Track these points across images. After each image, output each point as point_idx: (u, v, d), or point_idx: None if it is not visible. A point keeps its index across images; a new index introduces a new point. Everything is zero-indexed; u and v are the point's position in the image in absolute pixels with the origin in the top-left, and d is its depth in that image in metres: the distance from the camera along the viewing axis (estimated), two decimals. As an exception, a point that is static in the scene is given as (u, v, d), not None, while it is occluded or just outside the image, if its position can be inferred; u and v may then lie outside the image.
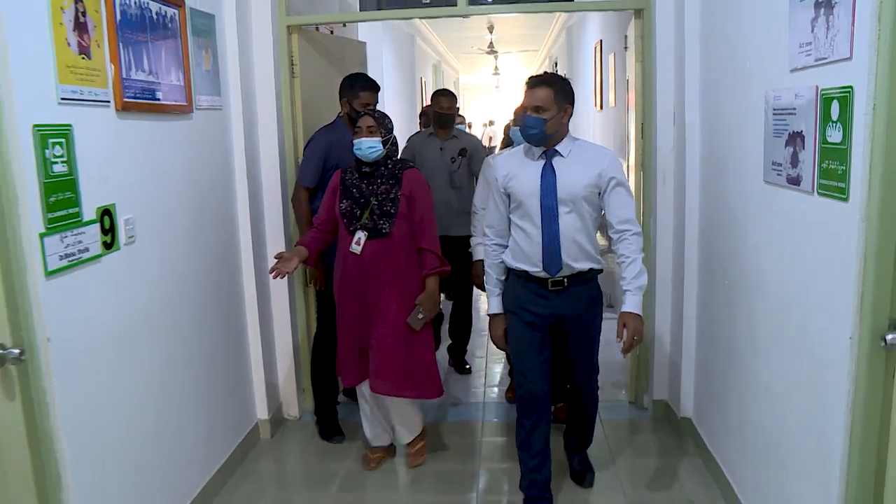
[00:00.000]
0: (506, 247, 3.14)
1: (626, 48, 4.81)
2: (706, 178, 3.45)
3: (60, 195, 2.31)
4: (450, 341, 5.07)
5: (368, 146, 3.30)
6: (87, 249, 2.44)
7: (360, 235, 3.35)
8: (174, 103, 3.05)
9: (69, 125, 2.35)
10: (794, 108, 2.30)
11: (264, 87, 3.90)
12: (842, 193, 2.02)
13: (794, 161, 2.32)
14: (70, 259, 2.36)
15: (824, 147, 2.12)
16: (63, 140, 2.32)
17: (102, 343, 2.54)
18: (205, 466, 3.36)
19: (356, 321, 3.45)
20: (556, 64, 12.64)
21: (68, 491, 2.34)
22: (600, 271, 3.07)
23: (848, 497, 2.07)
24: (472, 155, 4.71)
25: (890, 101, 1.83)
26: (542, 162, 2.96)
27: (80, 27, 2.41)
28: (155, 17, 2.91)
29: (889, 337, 1.92)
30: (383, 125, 3.36)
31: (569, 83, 2.99)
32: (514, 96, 9.34)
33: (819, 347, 2.22)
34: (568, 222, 2.92)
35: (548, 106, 2.87)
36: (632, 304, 2.88)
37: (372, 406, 3.62)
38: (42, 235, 2.22)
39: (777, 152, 2.46)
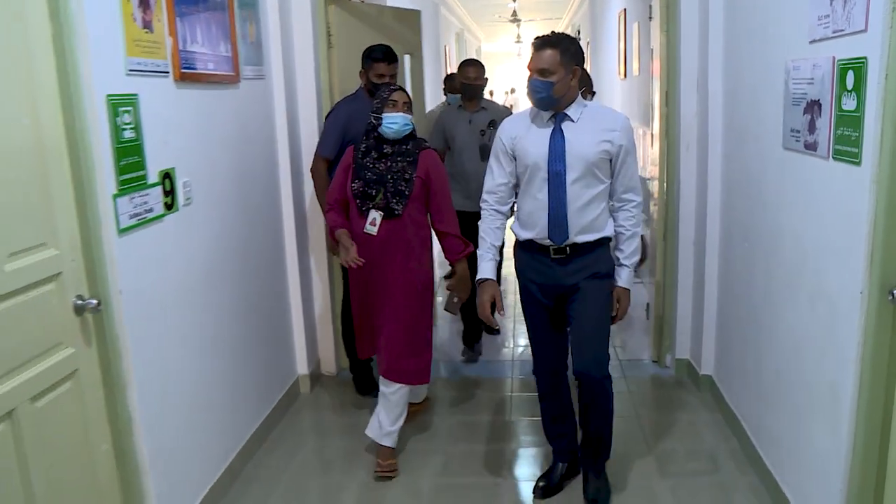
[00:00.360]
0: (504, 214, 3.05)
1: (650, 18, 4.92)
2: (728, 144, 3.60)
3: (129, 159, 2.51)
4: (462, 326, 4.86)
5: (404, 122, 3.22)
6: (151, 210, 2.65)
7: (375, 216, 3.25)
8: (224, 73, 3.24)
9: (136, 94, 2.54)
10: (812, 78, 2.45)
11: (303, 58, 4.07)
12: (855, 158, 2.18)
13: (812, 128, 2.47)
14: (138, 218, 2.56)
15: (839, 115, 2.27)
16: (131, 108, 2.51)
17: (165, 296, 2.76)
18: (254, 414, 3.60)
19: (366, 299, 3.40)
20: (579, 32, 12.69)
21: (138, 428, 2.57)
22: (609, 240, 2.96)
23: (857, 434, 2.26)
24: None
25: (900, 72, 1.98)
26: (550, 126, 2.84)
27: (144, 3, 2.59)
28: (207, -9, 3.09)
29: (895, 291, 2.08)
30: (411, 105, 3.30)
31: (577, 43, 2.85)
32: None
33: (832, 301, 2.39)
34: (576, 189, 2.81)
35: (554, 68, 2.74)
36: (625, 278, 2.94)
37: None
38: (115, 196, 2.43)
39: (796, 120, 2.61)
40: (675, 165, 4.10)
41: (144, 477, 2.62)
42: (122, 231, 2.46)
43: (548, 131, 2.84)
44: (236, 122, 3.40)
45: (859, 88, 2.13)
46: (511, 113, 4.39)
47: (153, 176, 2.66)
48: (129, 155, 2.50)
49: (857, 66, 2.14)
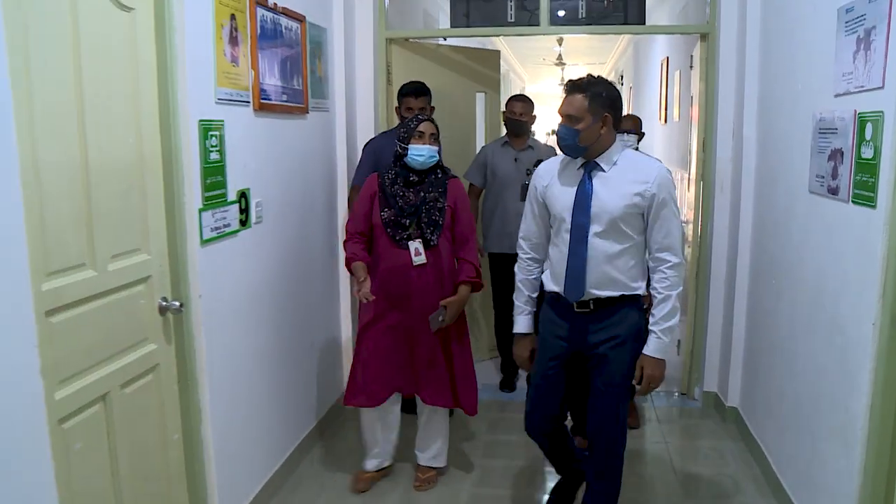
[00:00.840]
0: (540, 262, 2.92)
1: (691, 67, 5.18)
2: (759, 187, 3.82)
3: (214, 178, 2.81)
4: (499, 358, 4.88)
5: (430, 154, 3.25)
6: (229, 225, 2.94)
7: (417, 245, 3.25)
8: (295, 105, 3.54)
9: (222, 121, 2.85)
10: (836, 128, 2.68)
11: (364, 93, 4.39)
12: (871, 202, 2.40)
13: (835, 174, 2.69)
14: (218, 231, 2.85)
15: (859, 162, 2.50)
16: (217, 133, 2.82)
17: (235, 303, 3.05)
18: (304, 420, 3.86)
19: (397, 332, 3.34)
20: (622, 77, 12.96)
21: (206, 421, 2.83)
22: (636, 299, 2.75)
23: (868, 454, 2.44)
24: None
25: (912, 125, 2.20)
26: (580, 175, 2.70)
27: (233, 39, 2.91)
28: (283, 30, 3.40)
29: (905, 322, 2.29)
30: (439, 136, 3.33)
31: (611, 87, 2.68)
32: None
33: (847, 332, 2.59)
34: (598, 245, 2.64)
35: (580, 115, 2.59)
36: (653, 347, 2.68)
37: (384, 424, 3.54)
38: (200, 210, 2.72)
39: (821, 166, 2.84)
40: (710, 207, 4.32)
41: (209, 466, 2.87)
42: (204, 242, 2.75)
43: (576, 180, 2.70)
44: (303, 150, 3.70)
45: (876, 139, 2.36)
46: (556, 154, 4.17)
47: (232, 195, 2.96)
48: (213, 174, 2.80)
49: (875, 119, 2.37)
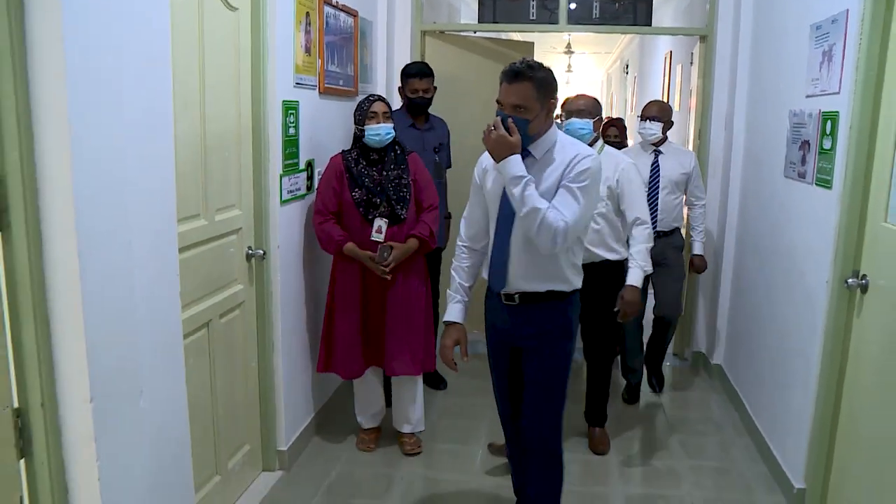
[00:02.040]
0: (475, 250, 2.82)
1: (691, 63, 5.73)
2: (745, 172, 4.41)
3: (290, 149, 3.38)
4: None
5: (387, 132, 3.41)
6: (300, 189, 3.52)
7: (381, 223, 3.44)
8: (348, 89, 4.11)
9: (297, 101, 3.42)
10: (805, 123, 3.25)
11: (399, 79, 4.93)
12: (828, 184, 2.98)
13: (803, 161, 3.27)
14: (292, 194, 3.43)
15: (821, 152, 3.07)
16: (294, 112, 3.39)
17: (303, 251, 3.65)
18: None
19: (365, 308, 3.56)
20: (628, 66, 13.47)
21: (278, 351, 3.42)
22: (566, 295, 2.64)
23: (819, 387, 3.04)
24: None
25: (861, 124, 2.78)
26: None
27: (308, 33, 3.47)
28: (342, 24, 3.96)
29: (850, 280, 2.86)
30: (392, 112, 3.50)
31: (549, 72, 2.52)
32: (583, 92, 10.10)
33: (810, 291, 3.17)
34: (521, 235, 2.55)
35: (528, 104, 2.45)
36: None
37: (372, 388, 3.79)
38: (281, 176, 3.30)
39: (793, 154, 3.41)
40: (705, 187, 4.89)
41: (278, 391, 3.46)
42: (283, 202, 3.33)
43: None
44: (351, 127, 4.25)
45: (834, 133, 2.94)
46: None
47: (302, 164, 3.53)
48: (290, 146, 3.37)
49: (833, 117, 2.95)
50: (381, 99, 3.50)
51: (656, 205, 4.22)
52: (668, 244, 4.29)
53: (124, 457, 2.12)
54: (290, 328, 3.54)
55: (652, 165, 4.25)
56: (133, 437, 2.17)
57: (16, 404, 1.89)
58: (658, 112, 4.26)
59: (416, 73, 4.06)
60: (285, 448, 3.51)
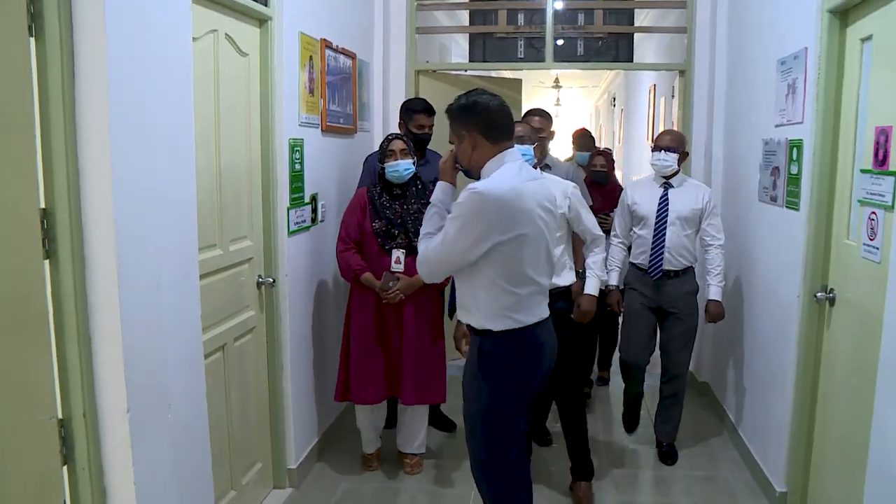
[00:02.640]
0: None
1: (673, 96, 6.02)
2: (724, 198, 4.66)
3: (296, 184, 3.61)
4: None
5: (405, 168, 3.58)
6: (305, 221, 3.75)
7: (399, 254, 3.60)
8: (348, 126, 4.36)
9: (302, 139, 3.66)
10: (775, 151, 3.51)
11: (395, 116, 5.17)
12: (796, 206, 3.23)
13: (774, 185, 3.52)
14: (299, 225, 3.66)
15: (789, 176, 3.32)
16: (300, 149, 3.62)
17: (309, 279, 3.87)
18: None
19: (382, 337, 3.70)
20: (615, 99, 13.82)
21: (287, 375, 3.62)
22: (489, 333, 2.61)
23: (796, 392, 3.26)
24: None
25: (822, 150, 3.04)
26: None
27: (311, 74, 3.72)
28: (342, 65, 4.22)
29: (818, 294, 3.10)
30: (410, 149, 3.65)
31: (466, 107, 2.58)
32: (571, 124, 10.29)
33: (783, 306, 3.40)
34: (461, 272, 2.63)
35: (453, 136, 2.64)
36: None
37: (377, 414, 3.93)
38: (288, 208, 3.53)
39: (766, 179, 3.66)
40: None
41: (287, 412, 3.65)
42: (291, 233, 3.55)
43: None
44: (352, 163, 4.50)
45: (800, 159, 3.19)
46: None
47: (307, 197, 3.76)
48: (296, 181, 3.61)
49: (799, 145, 3.20)
50: (399, 137, 3.66)
51: (663, 241, 3.88)
52: (678, 288, 3.94)
53: (156, 464, 2.33)
54: (299, 352, 3.74)
55: (661, 198, 3.92)
56: (162, 447, 2.38)
57: (60, 415, 2.10)
58: (671, 142, 3.91)
59: (422, 109, 4.11)
60: (294, 466, 3.70)
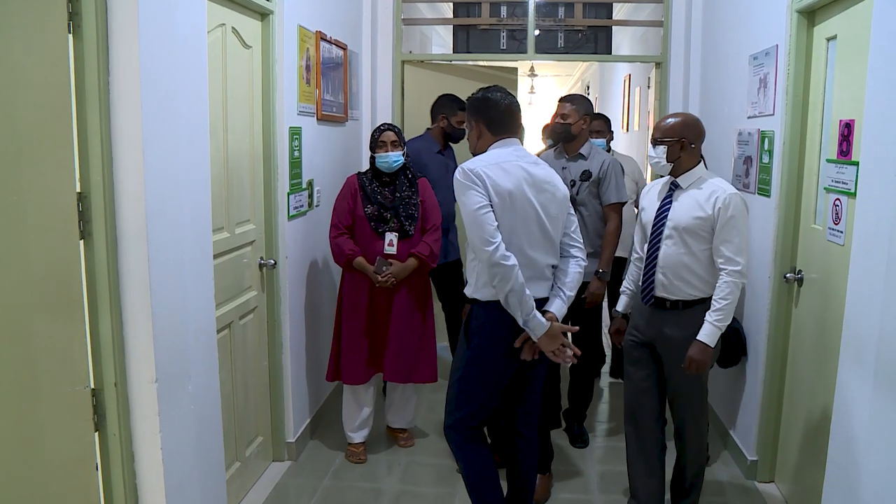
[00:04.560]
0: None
1: (648, 87, 6.24)
2: (699, 186, 4.88)
3: (295, 170, 3.78)
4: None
5: (395, 159, 3.74)
6: (303, 205, 3.92)
7: (392, 237, 3.74)
8: (340, 115, 4.52)
9: (300, 127, 3.82)
10: (748, 141, 3.74)
11: (384, 104, 5.36)
12: (767, 193, 3.46)
13: (747, 174, 3.75)
14: (297, 210, 3.83)
15: (761, 165, 3.55)
16: (298, 137, 3.79)
17: (305, 262, 4.03)
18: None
19: (371, 319, 3.82)
20: (588, 87, 14.06)
21: (287, 353, 3.80)
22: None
23: (766, 367, 3.50)
24: (599, 180, 3.83)
25: (791, 141, 3.28)
26: None
27: (308, 66, 3.88)
28: (335, 57, 4.38)
29: (788, 275, 3.34)
30: (401, 140, 3.81)
31: (478, 98, 2.92)
32: (545, 113, 10.49)
33: (756, 287, 3.64)
34: None
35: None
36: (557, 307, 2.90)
37: (361, 399, 3.98)
38: (288, 194, 3.69)
39: (739, 168, 3.89)
40: (662, 201, 5.37)
41: (286, 388, 3.82)
42: (290, 217, 3.72)
43: None
44: (343, 150, 4.68)
45: (770, 150, 3.42)
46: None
47: (304, 183, 3.93)
48: (295, 167, 3.77)
49: (770, 136, 3.43)
50: (390, 128, 3.79)
51: (656, 258, 3.04)
52: (676, 328, 3.03)
53: (179, 432, 2.50)
54: (296, 331, 3.92)
55: (662, 203, 3.08)
56: (185, 416, 2.55)
57: (92, 385, 2.26)
58: (662, 132, 3.04)
59: (464, 107, 4.02)
60: (293, 440, 3.88)
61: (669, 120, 3.06)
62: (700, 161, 3.06)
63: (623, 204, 3.90)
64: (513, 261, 2.67)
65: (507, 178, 2.73)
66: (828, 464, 2.64)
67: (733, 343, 3.68)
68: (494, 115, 2.86)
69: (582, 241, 2.96)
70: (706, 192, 2.96)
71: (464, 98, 3.33)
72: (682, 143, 2.99)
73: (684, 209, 2.98)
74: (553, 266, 2.88)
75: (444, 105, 4.49)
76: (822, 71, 3.13)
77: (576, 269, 2.89)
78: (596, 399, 4.84)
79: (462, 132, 4.33)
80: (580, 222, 3.24)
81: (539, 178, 2.80)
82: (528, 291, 2.71)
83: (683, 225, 2.97)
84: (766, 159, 3.49)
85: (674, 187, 3.06)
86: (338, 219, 3.80)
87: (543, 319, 2.74)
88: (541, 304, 2.81)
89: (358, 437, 3.99)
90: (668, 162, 3.01)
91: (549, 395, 3.62)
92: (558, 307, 2.84)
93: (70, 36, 2.11)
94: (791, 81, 3.25)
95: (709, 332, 2.91)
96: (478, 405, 2.93)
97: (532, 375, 3.00)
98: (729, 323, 2.94)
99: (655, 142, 3.04)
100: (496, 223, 2.69)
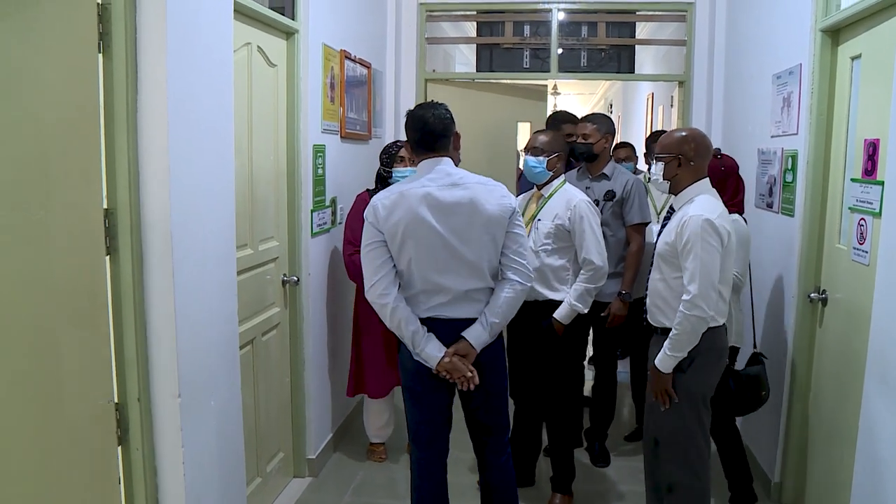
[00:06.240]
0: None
1: (671, 106, 6.24)
2: (722, 205, 4.86)
3: (318, 188, 3.81)
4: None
5: (411, 173, 3.41)
6: (326, 223, 3.95)
7: None
8: (363, 133, 4.56)
9: (324, 145, 3.86)
10: (771, 160, 3.72)
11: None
12: (791, 213, 3.44)
13: (771, 193, 3.73)
14: (320, 227, 3.86)
15: (784, 184, 3.54)
16: (322, 154, 3.82)
17: (326, 279, 4.05)
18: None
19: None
20: (611, 106, 14.06)
21: (309, 370, 3.81)
22: None
23: (790, 385, 3.47)
24: (623, 200, 3.85)
25: (815, 160, 3.26)
26: None
27: (332, 85, 3.92)
28: (359, 75, 4.42)
29: (812, 295, 3.31)
30: None
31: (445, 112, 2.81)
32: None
33: (782, 306, 3.61)
34: None
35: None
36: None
37: (382, 406, 4.09)
38: (312, 211, 3.72)
39: (762, 187, 3.88)
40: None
41: (308, 405, 3.84)
42: (313, 234, 3.75)
43: None
44: (366, 167, 4.70)
45: (794, 169, 3.40)
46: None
47: (327, 201, 3.96)
48: (319, 185, 3.80)
49: (794, 155, 3.42)
50: (404, 145, 3.59)
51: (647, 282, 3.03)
52: (657, 351, 2.88)
53: (201, 447, 2.52)
54: (318, 348, 3.94)
55: (661, 224, 3.02)
56: (208, 432, 2.57)
57: (116, 399, 2.29)
58: (660, 148, 2.93)
59: (570, 119, 4.41)
60: (314, 456, 3.89)
61: (668, 135, 2.96)
62: (701, 179, 2.86)
63: (646, 224, 3.90)
64: (388, 300, 2.65)
65: (399, 209, 2.63)
66: (853, 486, 2.61)
67: (750, 392, 3.28)
68: (413, 134, 2.77)
69: (525, 261, 2.76)
70: (679, 216, 2.80)
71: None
72: (679, 159, 2.83)
73: (664, 233, 2.87)
74: (486, 288, 2.76)
75: (562, 124, 4.40)
76: (847, 90, 3.12)
77: (507, 294, 2.72)
78: (617, 418, 4.80)
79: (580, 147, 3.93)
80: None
81: (448, 202, 2.64)
82: (412, 327, 2.67)
83: (658, 250, 2.89)
84: (789, 178, 3.48)
85: (671, 210, 2.95)
86: (352, 236, 3.70)
87: (435, 352, 2.68)
88: (469, 324, 2.74)
89: (379, 438, 4.16)
90: (664, 179, 2.88)
91: (603, 406, 4.16)
92: (475, 334, 2.71)
93: (100, 55, 2.16)
94: (815, 100, 3.24)
95: (660, 359, 2.80)
96: (415, 427, 2.91)
97: (474, 406, 2.90)
98: (684, 356, 2.77)
99: (655, 158, 2.94)
100: (383, 259, 2.67)
